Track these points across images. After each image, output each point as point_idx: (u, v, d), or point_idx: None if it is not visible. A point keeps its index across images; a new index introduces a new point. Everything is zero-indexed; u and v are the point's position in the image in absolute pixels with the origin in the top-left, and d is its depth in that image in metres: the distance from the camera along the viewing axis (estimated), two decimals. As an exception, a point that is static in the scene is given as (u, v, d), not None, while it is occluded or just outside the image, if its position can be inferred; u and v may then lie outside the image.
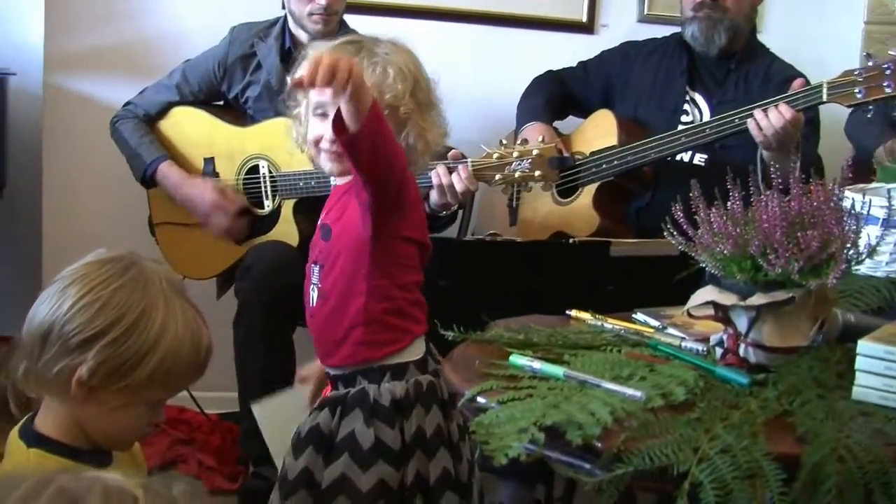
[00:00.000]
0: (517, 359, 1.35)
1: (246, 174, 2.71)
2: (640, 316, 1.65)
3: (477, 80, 3.26)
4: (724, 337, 1.42)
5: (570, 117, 2.96)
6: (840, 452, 1.14)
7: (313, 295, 1.66)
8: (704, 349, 1.46)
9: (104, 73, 3.18)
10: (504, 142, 2.33)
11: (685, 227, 1.47)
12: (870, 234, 1.65)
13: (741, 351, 1.41)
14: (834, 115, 2.72)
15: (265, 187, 2.68)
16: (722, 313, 1.40)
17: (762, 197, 1.45)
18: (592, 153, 2.65)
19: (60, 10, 3.15)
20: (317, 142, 1.62)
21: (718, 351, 1.42)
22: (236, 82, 2.77)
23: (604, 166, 2.60)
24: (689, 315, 1.43)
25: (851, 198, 1.71)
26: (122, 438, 1.44)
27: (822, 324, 1.47)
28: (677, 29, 2.87)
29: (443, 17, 3.26)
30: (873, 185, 2.09)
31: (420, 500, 1.58)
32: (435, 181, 2.31)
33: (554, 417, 1.14)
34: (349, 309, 1.59)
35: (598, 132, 2.73)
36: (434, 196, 2.34)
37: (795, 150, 2.41)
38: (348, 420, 1.56)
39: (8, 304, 3.27)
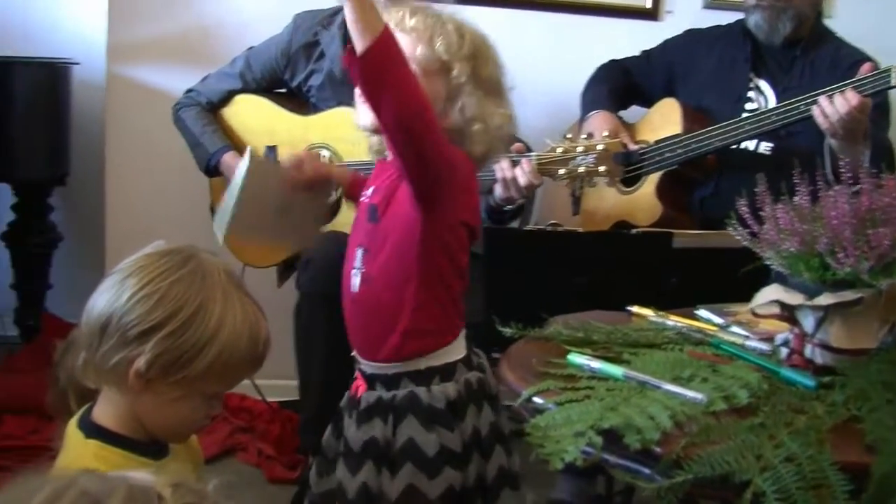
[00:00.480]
0: (575, 357, 1.32)
1: None
2: (702, 312, 1.61)
3: (542, 67, 3.23)
4: (790, 337, 1.38)
5: (634, 107, 2.92)
6: (912, 462, 1.10)
7: (355, 280, 1.61)
8: (769, 349, 1.42)
9: (166, 61, 3.20)
10: (569, 135, 2.29)
11: (750, 222, 1.43)
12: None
13: (807, 352, 1.36)
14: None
15: (327, 178, 2.68)
16: (788, 313, 1.36)
17: (831, 193, 1.40)
18: (657, 142, 2.61)
19: (124, 0, 3.17)
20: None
21: (783, 351, 1.38)
22: (299, 71, 2.76)
23: (667, 155, 2.56)
24: (754, 314, 1.38)
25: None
26: (179, 430, 1.44)
27: (893, 325, 1.42)
28: (742, 15, 2.80)
29: (508, 5, 3.23)
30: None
31: (480, 502, 1.56)
32: (498, 175, 2.28)
33: (612, 421, 1.11)
34: (398, 294, 1.55)
35: (663, 121, 2.69)
36: (498, 190, 2.31)
37: (864, 139, 2.34)
38: (403, 427, 1.53)
39: (71, 292, 3.32)
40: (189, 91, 2.85)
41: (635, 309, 1.62)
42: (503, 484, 1.57)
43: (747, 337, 1.47)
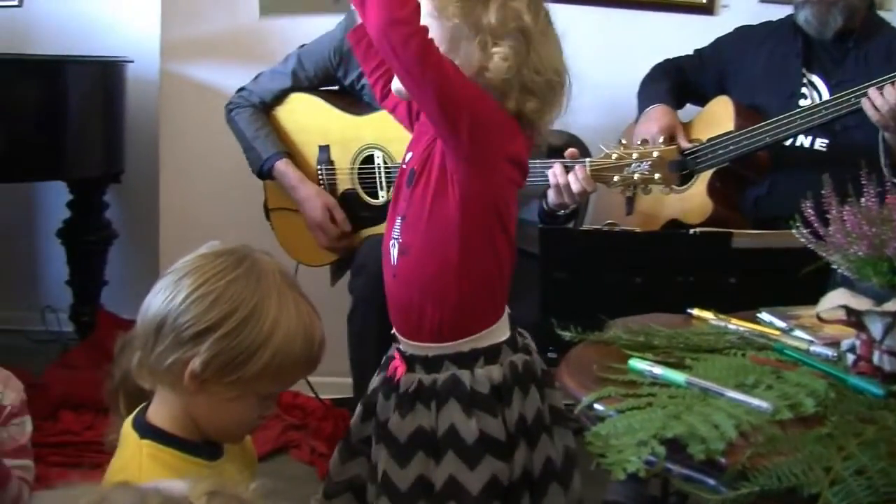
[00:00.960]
0: (637, 363, 1.29)
1: (361, 163, 2.70)
2: (764, 316, 1.57)
3: (597, 64, 3.17)
4: (857, 343, 1.33)
5: (689, 106, 2.89)
6: None
7: (393, 252, 1.58)
8: (834, 354, 1.38)
9: (219, 59, 3.23)
10: (623, 141, 2.26)
11: (815, 223, 1.39)
12: None
13: (875, 359, 1.32)
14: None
15: (380, 178, 2.67)
16: (855, 318, 1.31)
17: (899, 194, 1.35)
18: (709, 140, 2.57)
19: (177, -1, 3.19)
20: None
21: (850, 358, 1.34)
22: (352, 69, 2.75)
23: (719, 152, 2.53)
24: (820, 319, 1.35)
25: None
26: (233, 431, 1.44)
27: (965, 331, 1.37)
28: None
29: (563, 1, 3.19)
30: None
31: (527, 497, 1.53)
32: (552, 180, 2.25)
33: (675, 430, 1.08)
34: (439, 265, 1.52)
35: (715, 119, 2.66)
36: (551, 195, 2.28)
37: None
38: (445, 412, 1.50)
39: (126, 288, 3.36)
40: (241, 90, 2.84)
41: (696, 311, 1.59)
42: (550, 478, 1.54)
43: (812, 342, 1.43)
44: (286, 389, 1.59)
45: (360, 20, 2.67)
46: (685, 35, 3.07)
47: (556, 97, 1.55)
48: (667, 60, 2.90)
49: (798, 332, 1.48)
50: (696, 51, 2.91)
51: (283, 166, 2.72)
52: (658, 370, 1.26)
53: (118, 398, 1.50)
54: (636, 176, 2.18)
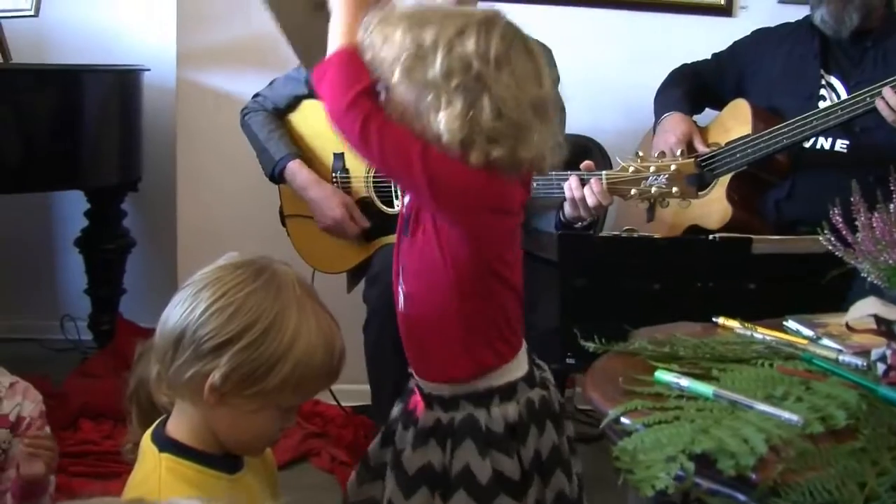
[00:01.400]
0: (663, 375, 1.27)
1: (376, 171, 2.68)
2: (791, 324, 1.55)
3: (617, 66, 3.20)
4: (888, 353, 1.31)
5: (707, 110, 2.88)
6: None
7: (400, 298, 1.56)
8: (864, 364, 1.35)
9: (235, 66, 3.22)
10: (640, 153, 2.24)
11: (843, 230, 1.36)
12: None
13: (906, 368, 1.30)
14: None
15: (395, 186, 2.65)
16: (885, 327, 1.29)
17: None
18: (727, 144, 2.55)
19: (192, 6, 3.19)
20: None
21: (880, 367, 1.31)
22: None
23: (737, 156, 2.51)
24: (849, 328, 1.32)
25: None
26: (254, 444, 1.43)
27: None
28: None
29: (581, 3, 3.20)
30: None
31: None
32: (567, 194, 2.23)
33: (704, 445, 1.05)
34: (441, 313, 1.49)
35: (734, 122, 2.64)
36: (567, 208, 2.26)
37: None
38: (461, 452, 1.48)
39: (145, 297, 3.36)
40: (256, 96, 2.84)
41: (721, 320, 1.56)
42: None
43: (840, 351, 1.40)
44: (307, 401, 1.57)
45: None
46: (704, 37, 3.06)
47: (528, 134, 1.43)
48: (684, 65, 2.89)
49: (826, 341, 1.45)
50: (714, 55, 2.90)
51: (295, 166, 2.70)
52: (685, 382, 1.24)
53: (131, 408, 1.49)
54: (653, 189, 2.16)
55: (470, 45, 1.40)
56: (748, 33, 2.87)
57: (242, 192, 3.20)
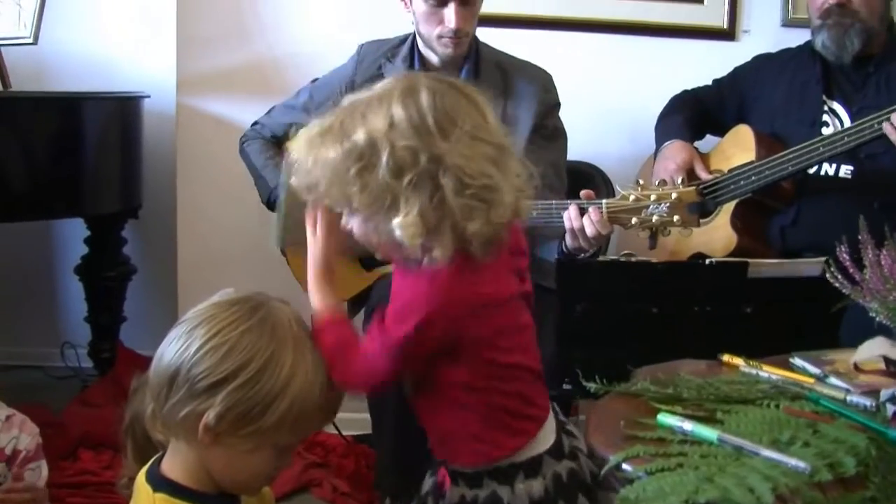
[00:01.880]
0: (666, 418, 1.24)
1: None
2: (797, 361, 1.52)
3: (620, 91, 3.19)
4: (897, 394, 1.28)
5: (709, 136, 2.87)
6: None
7: (406, 384, 1.50)
8: (873, 405, 1.32)
9: (235, 93, 3.22)
10: (641, 182, 2.21)
11: (850, 268, 1.34)
12: None
13: (916, 411, 1.27)
14: None
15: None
16: (894, 368, 1.26)
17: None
18: (730, 171, 2.53)
19: (192, 33, 3.20)
20: None
21: (890, 408, 1.29)
22: None
23: (741, 183, 2.49)
24: (857, 368, 1.29)
25: None
26: (250, 483, 1.42)
27: None
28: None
29: (582, 28, 3.20)
30: None
31: None
32: (566, 224, 2.20)
33: (708, 494, 1.03)
34: (444, 407, 1.44)
35: (736, 149, 2.62)
36: (568, 239, 2.24)
37: None
38: None
39: (145, 324, 3.34)
40: (255, 124, 2.82)
41: (726, 357, 1.54)
42: None
43: (848, 391, 1.37)
44: (304, 440, 1.55)
45: (370, 57, 2.68)
46: (707, 61, 3.06)
47: (497, 194, 1.32)
48: (684, 92, 2.88)
49: (833, 380, 1.42)
50: (715, 81, 2.89)
51: None
52: (688, 426, 1.21)
53: (127, 442, 1.47)
54: (654, 218, 2.13)
55: (404, 127, 1.30)
56: (750, 59, 2.86)
57: (243, 219, 3.18)
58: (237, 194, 3.10)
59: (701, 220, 2.58)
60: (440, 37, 2.46)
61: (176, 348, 1.35)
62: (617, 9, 3.19)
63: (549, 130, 2.55)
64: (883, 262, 1.30)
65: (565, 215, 2.20)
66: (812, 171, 2.54)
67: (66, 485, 2.66)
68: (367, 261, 2.65)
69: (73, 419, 3.03)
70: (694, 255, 2.59)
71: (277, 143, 2.79)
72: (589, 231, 2.17)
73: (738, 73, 2.84)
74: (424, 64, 2.59)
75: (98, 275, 3.36)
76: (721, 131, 2.77)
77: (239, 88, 3.21)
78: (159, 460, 1.41)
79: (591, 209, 2.17)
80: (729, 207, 2.55)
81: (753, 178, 2.46)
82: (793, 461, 1.10)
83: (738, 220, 2.54)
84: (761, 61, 2.82)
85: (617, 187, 2.22)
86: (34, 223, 3.43)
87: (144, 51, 3.45)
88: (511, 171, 1.35)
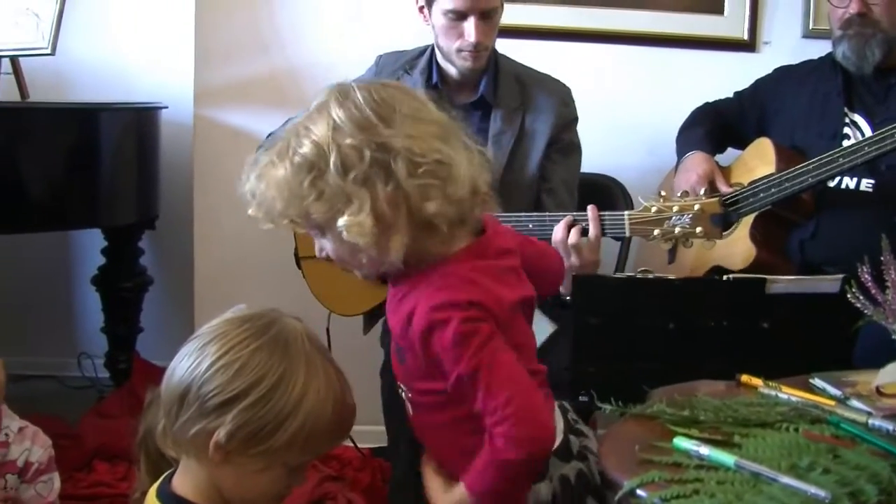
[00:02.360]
0: (682, 442, 1.21)
1: None
2: (818, 382, 1.49)
3: (641, 103, 3.18)
4: (921, 419, 1.25)
5: (730, 150, 2.84)
6: None
7: (408, 405, 1.50)
8: (895, 429, 1.29)
9: (252, 104, 3.21)
10: (663, 193, 2.18)
11: (873, 289, 1.31)
12: None
13: (940, 436, 1.24)
14: None
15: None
16: (917, 392, 1.24)
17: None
18: (750, 183, 2.50)
19: (209, 44, 3.19)
20: None
21: (913, 433, 1.26)
22: None
23: (761, 195, 2.46)
24: (879, 392, 1.27)
25: None
26: (260, 502, 1.39)
27: None
28: None
29: (602, 40, 3.18)
30: None
31: None
32: (553, 237, 2.18)
33: (725, 523, 1.01)
34: (449, 423, 1.43)
35: (757, 161, 2.60)
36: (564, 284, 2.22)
37: None
38: None
39: (162, 335, 3.33)
40: (270, 136, 2.82)
41: (744, 378, 1.51)
42: None
43: (870, 413, 1.34)
44: (316, 459, 1.53)
45: (389, 69, 2.67)
46: (727, 73, 3.04)
47: (451, 168, 1.33)
48: (705, 104, 2.85)
49: (854, 402, 1.39)
50: (736, 93, 2.86)
51: None
52: (705, 450, 1.19)
53: (140, 455, 1.46)
54: (677, 230, 2.10)
55: (347, 126, 1.32)
56: (770, 70, 2.83)
57: (259, 231, 3.12)
58: (254, 206, 3.10)
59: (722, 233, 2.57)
60: (460, 50, 2.44)
61: (187, 365, 1.34)
62: (636, 20, 3.17)
63: (564, 144, 2.53)
64: (905, 283, 1.28)
65: (554, 229, 2.18)
66: (832, 184, 2.51)
67: (79, 497, 2.65)
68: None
69: (89, 430, 3.03)
70: (713, 267, 2.56)
71: (292, 154, 2.78)
72: (575, 262, 2.15)
73: (759, 85, 2.82)
74: (443, 76, 2.56)
75: (115, 285, 3.37)
76: (742, 144, 2.75)
77: (256, 100, 3.20)
78: (171, 476, 1.40)
79: (592, 230, 2.15)
80: (748, 220, 2.52)
81: (774, 190, 2.44)
82: (812, 489, 1.08)
83: (757, 233, 2.52)
84: (782, 73, 2.80)
85: (639, 199, 2.19)
86: (51, 234, 3.44)
87: (162, 62, 3.46)
88: (460, 146, 1.36)
